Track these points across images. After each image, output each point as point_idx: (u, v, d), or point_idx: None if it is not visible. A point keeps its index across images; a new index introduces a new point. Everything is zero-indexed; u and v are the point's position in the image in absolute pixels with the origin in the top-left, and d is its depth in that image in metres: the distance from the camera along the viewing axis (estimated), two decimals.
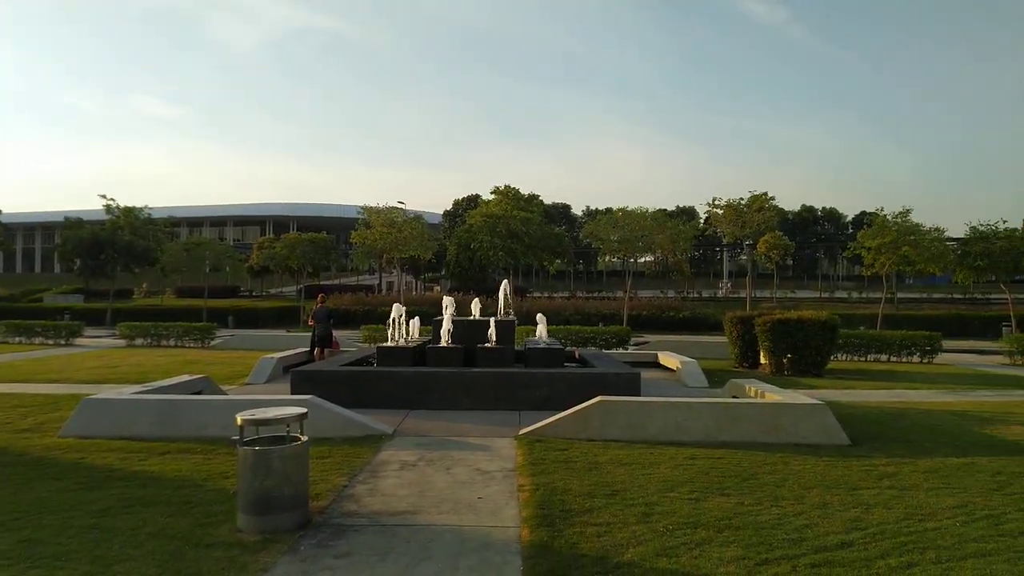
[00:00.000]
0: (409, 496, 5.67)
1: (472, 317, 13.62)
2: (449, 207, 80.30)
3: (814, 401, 8.39)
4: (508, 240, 30.27)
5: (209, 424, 7.89)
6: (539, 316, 14.28)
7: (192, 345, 22.32)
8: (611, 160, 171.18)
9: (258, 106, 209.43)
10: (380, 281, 58.04)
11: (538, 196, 44.76)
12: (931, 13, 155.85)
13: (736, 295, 45.91)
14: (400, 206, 32.97)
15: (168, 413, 8.11)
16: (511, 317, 13.52)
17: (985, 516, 5.27)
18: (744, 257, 42.42)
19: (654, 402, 8.32)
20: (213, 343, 22.48)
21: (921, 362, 18.98)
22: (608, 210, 40.61)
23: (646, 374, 14.04)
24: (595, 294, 50.47)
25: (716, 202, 34.32)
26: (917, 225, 27.54)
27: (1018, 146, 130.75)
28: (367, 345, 18.52)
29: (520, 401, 10.24)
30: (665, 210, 49.50)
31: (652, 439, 7.82)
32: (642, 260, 45.27)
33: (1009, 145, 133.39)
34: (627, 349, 19.89)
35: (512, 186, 36.94)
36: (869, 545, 4.60)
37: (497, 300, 14.46)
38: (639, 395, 9.91)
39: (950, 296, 47.21)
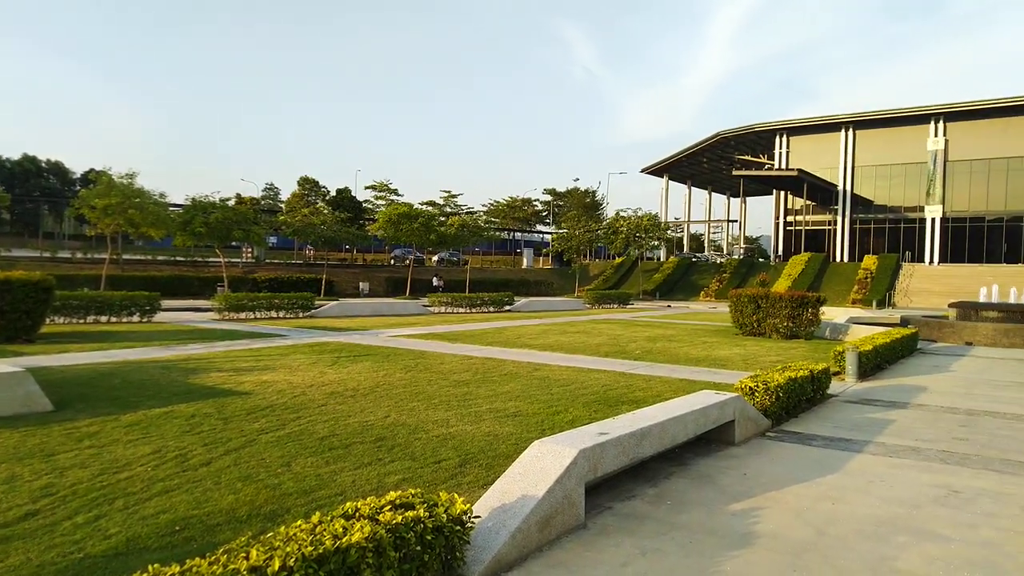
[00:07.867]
0: None
1: None
2: None
3: (13, 369, 7.62)
4: None
5: None
6: None
7: None
8: None
9: None
10: None
11: None
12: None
13: None
14: None
15: None
16: None
17: (175, 456, 5.88)
18: None
19: None
20: None
21: (141, 321, 19.60)
22: None
23: None
24: None
25: None
26: (143, 189, 28.11)
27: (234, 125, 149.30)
28: None
29: None
30: None
31: None
32: None
33: (229, 123, 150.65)
34: None
35: None
36: (58, 508, 4.52)
37: None
38: None
39: (173, 259, 50.04)
